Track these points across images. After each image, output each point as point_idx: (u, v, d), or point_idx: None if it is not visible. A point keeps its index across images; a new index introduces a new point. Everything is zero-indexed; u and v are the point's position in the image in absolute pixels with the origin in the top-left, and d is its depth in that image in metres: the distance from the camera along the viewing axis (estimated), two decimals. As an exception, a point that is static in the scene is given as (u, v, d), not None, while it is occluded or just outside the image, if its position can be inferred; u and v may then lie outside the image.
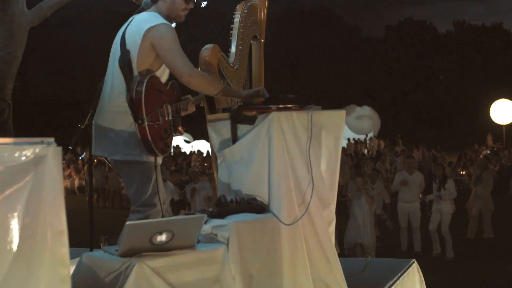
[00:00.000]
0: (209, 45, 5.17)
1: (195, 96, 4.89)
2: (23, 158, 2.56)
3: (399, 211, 12.93)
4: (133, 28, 4.39)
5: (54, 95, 48.88)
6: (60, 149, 2.67)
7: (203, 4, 11.59)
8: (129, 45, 4.34)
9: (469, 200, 14.48)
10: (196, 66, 5.17)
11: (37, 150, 2.60)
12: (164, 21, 4.39)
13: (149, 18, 4.40)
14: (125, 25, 4.52)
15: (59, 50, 54.20)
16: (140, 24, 4.38)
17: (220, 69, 5.17)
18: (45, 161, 2.62)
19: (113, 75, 4.41)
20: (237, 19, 5.39)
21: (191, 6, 4.63)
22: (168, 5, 4.52)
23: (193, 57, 5.38)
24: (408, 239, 12.88)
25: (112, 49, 4.54)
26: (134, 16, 4.55)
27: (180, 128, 4.61)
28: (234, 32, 5.38)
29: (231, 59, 5.32)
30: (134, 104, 4.14)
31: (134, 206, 4.41)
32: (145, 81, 4.16)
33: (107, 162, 4.69)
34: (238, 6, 5.45)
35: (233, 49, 5.38)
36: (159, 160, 4.40)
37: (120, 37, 4.43)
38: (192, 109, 4.86)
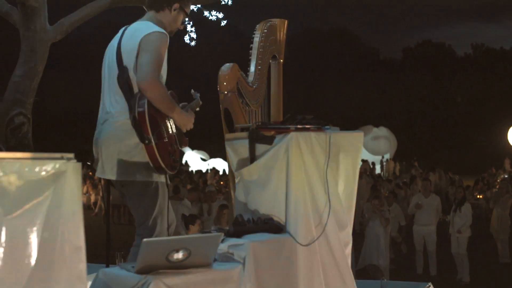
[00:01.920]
0: (228, 64, 5.18)
1: (192, 102, 4.67)
2: (43, 173, 2.57)
3: (415, 234, 12.84)
4: (128, 43, 4.25)
5: (73, 111, 49.19)
6: (79, 165, 2.69)
7: (223, 23, 11.57)
8: (126, 61, 4.21)
9: (492, 224, 14.46)
10: (215, 85, 5.18)
11: (57, 166, 2.61)
12: (159, 29, 4.26)
13: (143, 28, 4.26)
14: (118, 38, 4.36)
15: (78, 66, 54.65)
16: (134, 36, 4.23)
17: (239, 88, 5.18)
18: (65, 176, 2.64)
19: (112, 94, 4.28)
20: (257, 38, 5.39)
21: (182, 27, 4.61)
22: (170, 19, 4.45)
23: (212, 75, 5.38)
24: (423, 262, 12.78)
25: (106, 64, 4.39)
26: (126, 27, 4.42)
27: (185, 140, 4.44)
28: (254, 52, 5.38)
29: (250, 78, 5.32)
30: (138, 125, 4.02)
31: (139, 229, 4.29)
32: (146, 99, 4.03)
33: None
34: (258, 26, 5.45)
35: (252, 68, 5.38)
36: (163, 178, 4.28)
37: (115, 53, 4.28)
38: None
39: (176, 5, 4.44)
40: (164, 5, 4.44)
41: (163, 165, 4.09)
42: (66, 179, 2.64)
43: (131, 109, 4.09)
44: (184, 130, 4.37)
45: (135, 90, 4.16)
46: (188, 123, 4.36)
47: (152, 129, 4.02)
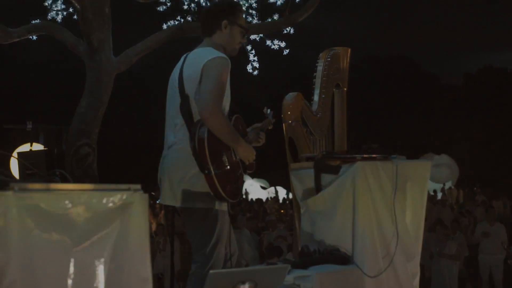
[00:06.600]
0: (292, 93, 5.15)
1: (263, 121, 4.61)
2: (111, 204, 2.57)
3: (481, 264, 12.54)
4: (189, 70, 4.22)
5: (136, 141, 49.87)
6: (146, 196, 2.68)
7: (285, 52, 11.45)
8: (188, 89, 4.18)
9: None
10: (279, 114, 5.14)
11: (124, 197, 2.61)
12: (220, 54, 4.19)
13: (204, 54, 4.21)
14: (179, 65, 4.34)
15: (141, 97, 55.49)
16: (196, 63, 4.19)
17: (303, 117, 5.14)
18: (132, 208, 2.63)
19: (175, 122, 4.25)
20: (320, 67, 5.36)
21: (245, 40, 4.50)
22: (226, 38, 4.37)
23: (274, 102, 5.35)
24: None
25: (169, 92, 4.37)
26: (187, 54, 4.38)
27: (251, 164, 4.29)
28: (317, 80, 5.34)
29: (314, 107, 5.28)
30: (197, 154, 3.97)
31: (195, 257, 4.25)
32: (206, 127, 3.98)
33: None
34: (321, 54, 5.43)
35: (316, 97, 5.34)
36: (224, 206, 4.20)
37: (177, 81, 4.26)
38: (263, 138, 4.52)
39: (225, 22, 4.36)
40: (214, 27, 4.39)
41: (223, 195, 4.03)
42: (133, 211, 2.63)
43: (191, 138, 4.06)
44: (247, 163, 4.27)
45: (196, 118, 4.12)
46: (251, 155, 4.24)
47: (211, 158, 3.96)
